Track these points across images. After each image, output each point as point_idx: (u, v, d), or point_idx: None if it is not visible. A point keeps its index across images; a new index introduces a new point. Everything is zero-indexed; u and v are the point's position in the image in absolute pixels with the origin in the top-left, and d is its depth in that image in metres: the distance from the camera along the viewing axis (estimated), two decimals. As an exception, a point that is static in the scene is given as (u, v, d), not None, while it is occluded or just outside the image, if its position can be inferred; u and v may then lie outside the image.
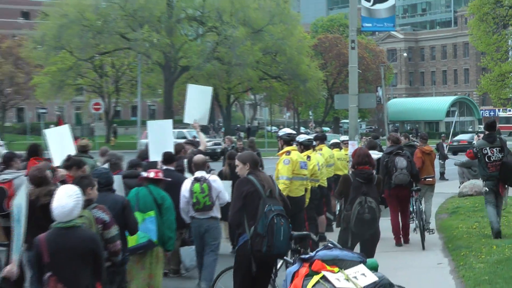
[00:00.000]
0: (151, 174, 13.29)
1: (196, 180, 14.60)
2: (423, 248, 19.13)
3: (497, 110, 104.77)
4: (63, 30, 79.87)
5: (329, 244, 10.10)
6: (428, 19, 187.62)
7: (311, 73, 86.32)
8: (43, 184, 10.77)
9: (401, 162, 19.07)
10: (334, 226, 21.11)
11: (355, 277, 9.46)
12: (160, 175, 13.46)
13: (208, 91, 22.05)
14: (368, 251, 12.85)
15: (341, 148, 24.19)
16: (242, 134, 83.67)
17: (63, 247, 8.28)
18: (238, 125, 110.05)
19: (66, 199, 8.41)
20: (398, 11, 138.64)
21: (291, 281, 9.60)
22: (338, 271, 9.47)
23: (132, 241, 12.09)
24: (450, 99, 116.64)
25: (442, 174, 40.82)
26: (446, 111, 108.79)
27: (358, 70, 27.50)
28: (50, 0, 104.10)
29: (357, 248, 13.02)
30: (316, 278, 9.38)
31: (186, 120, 21.33)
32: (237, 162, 11.68)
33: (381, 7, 26.01)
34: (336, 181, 19.53)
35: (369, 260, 10.07)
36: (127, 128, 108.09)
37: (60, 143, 17.78)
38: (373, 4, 25.88)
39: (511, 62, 62.89)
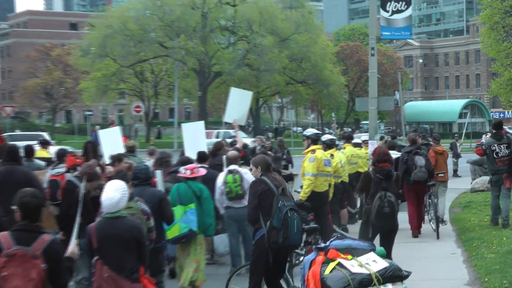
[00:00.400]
0: (188, 173, 13.52)
1: (229, 172, 15.07)
2: (438, 237, 19.27)
3: (506, 112, 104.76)
4: (107, 40, 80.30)
5: (338, 235, 10.42)
6: (442, 28, 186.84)
7: (334, 78, 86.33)
8: (93, 179, 11.14)
9: (420, 160, 19.35)
10: (357, 217, 21.20)
11: (367, 264, 9.73)
12: (196, 171, 13.69)
13: (248, 94, 22.46)
14: (388, 242, 12.87)
15: (361, 147, 24.20)
16: (270, 134, 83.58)
17: (109, 234, 8.60)
18: (267, 126, 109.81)
19: (113, 192, 8.69)
20: (414, 21, 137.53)
21: (309, 268, 9.79)
22: (352, 259, 9.73)
23: (175, 231, 12.49)
24: (462, 102, 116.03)
25: (455, 171, 40.66)
26: (459, 113, 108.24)
27: (377, 75, 27.44)
28: (96, 13, 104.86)
29: (377, 240, 13.00)
30: (332, 264, 9.61)
31: (226, 119, 21.73)
32: (251, 165, 11.91)
33: (398, 17, 25.97)
34: (357, 178, 19.81)
35: (377, 249, 10.37)
36: (165, 128, 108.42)
37: (111, 142, 18.21)
38: (391, 14, 25.87)
39: (519, 68, 62.80)
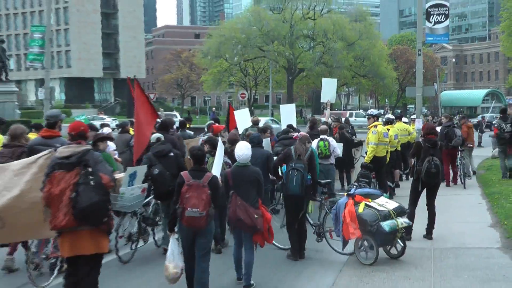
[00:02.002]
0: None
1: (321, 139, 16.05)
2: (464, 187, 20.02)
3: None
4: (221, 45, 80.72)
5: (356, 185, 11.85)
6: (469, 35, 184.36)
7: (388, 73, 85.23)
8: (234, 143, 11.69)
9: (458, 132, 20.44)
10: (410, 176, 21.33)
11: (383, 204, 10.80)
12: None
13: (334, 81, 23.34)
14: (432, 194, 12.74)
15: (410, 124, 23.97)
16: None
17: (241, 176, 9.73)
18: (336, 109, 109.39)
19: (248, 150, 9.83)
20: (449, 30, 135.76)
21: (344, 209, 10.82)
22: (372, 201, 10.80)
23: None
24: (484, 91, 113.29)
25: (479, 143, 39.85)
26: (482, 99, 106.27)
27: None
28: (213, 26, 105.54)
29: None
30: (362, 205, 10.68)
31: (322, 99, 22.71)
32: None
33: (439, 27, 25.59)
34: (407, 147, 20.35)
35: (384, 194, 11.66)
36: (262, 110, 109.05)
37: (242, 119, 19.32)
38: (434, 24, 25.53)
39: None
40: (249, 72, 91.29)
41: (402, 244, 11.02)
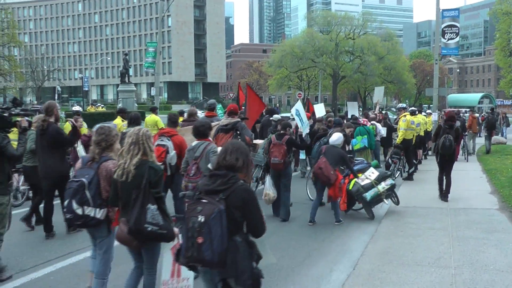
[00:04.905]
0: (363, 122, 15.73)
1: (371, 124, 16.56)
2: (467, 161, 20.72)
3: (505, 100, 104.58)
4: (282, 58, 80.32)
5: (355, 161, 11.39)
6: (469, 52, 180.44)
7: (408, 80, 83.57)
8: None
9: (457, 123, 20.13)
10: (427, 155, 21.19)
11: (369, 175, 10.64)
12: (366, 122, 16.01)
13: (382, 88, 24.13)
14: (448, 167, 12.52)
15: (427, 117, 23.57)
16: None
17: (330, 152, 10.15)
18: (369, 107, 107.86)
19: (336, 137, 10.35)
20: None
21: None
22: (361, 175, 10.67)
23: (358, 146, 14.38)
24: (480, 94, 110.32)
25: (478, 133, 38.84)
26: (478, 101, 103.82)
27: (439, 76, 26.70)
28: (276, 43, 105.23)
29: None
30: (352, 182, 10.60)
31: (374, 100, 23.67)
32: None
33: (451, 42, 25.20)
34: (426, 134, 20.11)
35: (372, 162, 11.38)
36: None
37: (319, 109, 19.71)
38: (447, 40, 25.17)
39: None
40: (303, 78, 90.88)
41: (395, 197, 11.24)
